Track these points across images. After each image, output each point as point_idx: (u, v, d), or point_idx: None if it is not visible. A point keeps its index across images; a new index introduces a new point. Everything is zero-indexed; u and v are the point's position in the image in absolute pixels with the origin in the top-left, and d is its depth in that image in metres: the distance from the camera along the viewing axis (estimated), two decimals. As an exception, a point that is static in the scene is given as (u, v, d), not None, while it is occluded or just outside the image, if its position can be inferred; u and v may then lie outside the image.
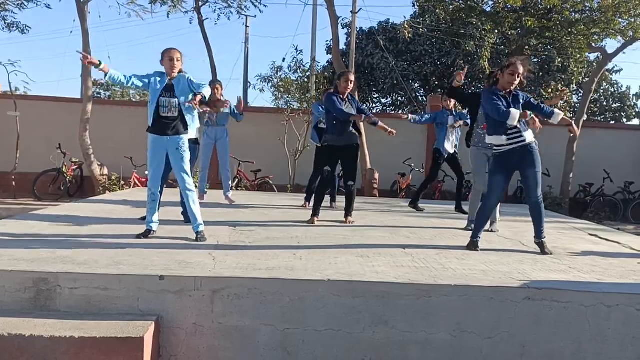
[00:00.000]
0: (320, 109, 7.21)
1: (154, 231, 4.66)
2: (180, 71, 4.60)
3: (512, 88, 4.50)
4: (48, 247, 3.97)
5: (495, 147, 4.63)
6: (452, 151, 7.37)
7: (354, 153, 5.92)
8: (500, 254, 4.45)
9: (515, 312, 3.29)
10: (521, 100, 4.55)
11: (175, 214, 5.98)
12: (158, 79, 4.53)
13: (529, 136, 4.53)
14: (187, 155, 4.63)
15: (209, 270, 3.44)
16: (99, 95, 30.55)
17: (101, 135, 12.02)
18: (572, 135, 4.61)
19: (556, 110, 4.61)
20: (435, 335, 3.26)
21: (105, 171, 11.72)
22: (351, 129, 5.84)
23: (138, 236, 4.54)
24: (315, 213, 5.91)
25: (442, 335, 3.27)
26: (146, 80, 4.52)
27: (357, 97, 11.70)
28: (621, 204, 12.64)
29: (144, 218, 4.89)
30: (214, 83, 7.29)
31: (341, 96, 5.78)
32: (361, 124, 6.09)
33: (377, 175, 11.70)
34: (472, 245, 4.62)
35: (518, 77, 4.46)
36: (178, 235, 4.73)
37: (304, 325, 3.25)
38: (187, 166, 4.62)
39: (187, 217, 5.00)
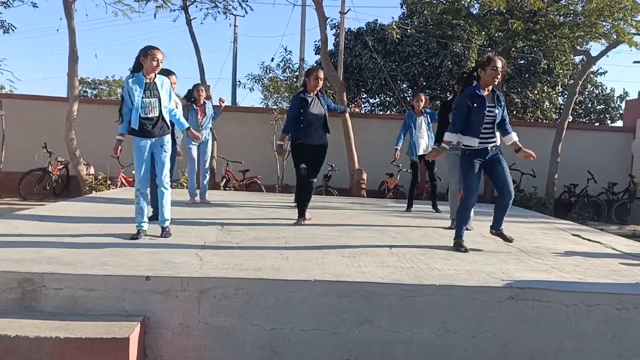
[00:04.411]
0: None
1: (144, 231, 4.65)
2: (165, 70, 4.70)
3: (494, 84, 4.54)
4: (33, 247, 3.95)
5: (465, 146, 4.63)
6: (424, 152, 7.48)
7: (322, 152, 5.89)
8: (485, 254, 4.51)
9: (499, 311, 3.34)
10: (502, 103, 4.62)
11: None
12: (136, 85, 4.48)
13: (498, 139, 4.64)
14: (169, 154, 4.70)
15: (196, 271, 3.45)
16: (85, 94, 30.34)
17: (88, 134, 11.93)
18: (521, 154, 4.78)
19: (514, 134, 4.72)
20: (419, 335, 3.31)
21: (92, 171, 11.64)
22: (321, 129, 5.82)
23: (132, 237, 4.52)
24: (301, 214, 5.91)
25: (426, 335, 3.31)
26: (129, 97, 4.51)
27: (345, 97, 11.78)
28: (605, 205, 12.81)
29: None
30: (197, 86, 7.29)
31: (309, 94, 5.78)
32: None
33: (365, 176, 11.75)
34: (459, 246, 4.66)
35: (500, 71, 4.47)
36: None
37: (290, 325, 3.28)
38: (168, 164, 4.69)
39: (157, 216, 4.95)
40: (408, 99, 20.28)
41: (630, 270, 4.15)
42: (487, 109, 4.51)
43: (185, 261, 3.71)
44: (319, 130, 5.81)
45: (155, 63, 4.46)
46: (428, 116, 7.57)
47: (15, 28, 12.95)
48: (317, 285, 3.32)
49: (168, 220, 4.73)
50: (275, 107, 12.80)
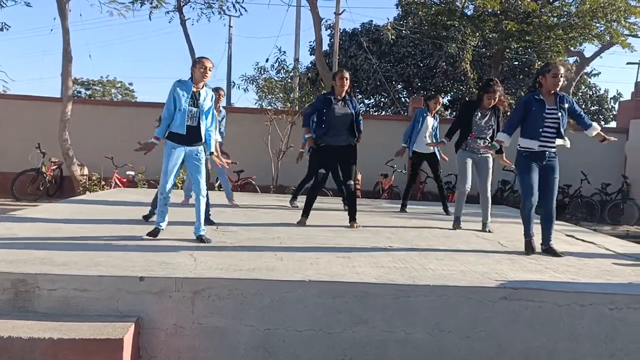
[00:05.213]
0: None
1: (162, 230, 4.71)
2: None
3: (556, 90, 4.57)
4: (26, 248, 3.93)
5: (522, 147, 4.68)
6: (429, 151, 7.50)
7: (350, 153, 5.89)
8: (479, 255, 4.52)
9: (493, 311, 3.35)
10: (566, 104, 4.60)
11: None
12: (183, 90, 4.53)
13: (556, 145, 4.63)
14: (204, 163, 4.71)
15: (190, 271, 3.44)
16: (79, 95, 30.24)
17: (81, 134, 11.89)
18: (612, 140, 4.80)
19: (595, 124, 4.73)
20: (414, 335, 3.31)
21: (86, 171, 11.59)
22: (346, 131, 5.82)
23: (149, 233, 4.61)
24: (306, 214, 5.92)
25: (420, 335, 3.32)
26: (173, 102, 4.53)
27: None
28: (598, 205, 12.88)
29: (145, 217, 5.28)
30: (218, 89, 7.32)
31: (337, 96, 5.81)
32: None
33: (359, 176, 11.75)
34: (529, 247, 4.70)
35: (561, 77, 4.52)
36: (159, 236, 4.71)
37: (284, 325, 3.27)
38: (203, 173, 4.69)
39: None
40: (403, 99, 20.31)
41: (623, 271, 4.17)
42: (546, 111, 4.53)
43: (180, 262, 3.71)
44: (344, 132, 5.80)
45: (202, 71, 4.51)
46: (436, 121, 7.63)
47: (10, 27, 12.90)
48: (311, 285, 3.32)
49: (204, 229, 4.71)
50: (269, 107, 12.77)
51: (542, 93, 4.60)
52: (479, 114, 5.86)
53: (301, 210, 5.99)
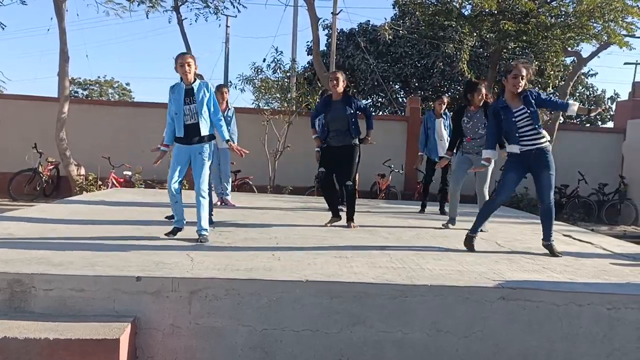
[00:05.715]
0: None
1: (180, 229, 4.74)
2: (198, 76, 4.71)
3: (518, 91, 4.52)
4: (23, 248, 3.91)
5: (508, 151, 4.69)
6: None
7: (347, 153, 5.84)
8: (476, 255, 4.52)
9: (490, 311, 3.34)
10: (532, 100, 4.53)
11: (154, 214, 5.95)
12: (175, 93, 4.55)
13: (544, 139, 4.57)
14: (208, 162, 4.68)
15: (187, 271, 3.43)
16: (76, 95, 30.16)
17: (78, 134, 11.86)
18: (599, 110, 4.76)
19: (570, 101, 4.70)
20: (411, 335, 3.31)
21: (82, 171, 11.56)
22: (343, 131, 5.79)
23: (167, 234, 4.65)
24: (334, 214, 5.97)
25: (418, 335, 3.31)
26: (173, 108, 4.57)
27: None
28: (595, 205, 12.90)
29: (169, 217, 5.20)
30: (220, 87, 7.30)
31: (335, 98, 5.82)
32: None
33: (357, 176, 11.74)
34: (470, 240, 4.71)
35: (522, 79, 4.47)
36: (156, 235, 4.70)
37: (281, 325, 3.27)
38: (206, 172, 4.67)
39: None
40: (400, 99, 20.32)
41: (620, 271, 4.18)
42: (514, 116, 4.52)
43: (176, 262, 3.69)
44: (342, 132, 5.78)
45: (183, 68, 4.49)
46: (448, 119, 7.62)
47: (5, 26, 12.85)
48: (308, 285, 3.32)
49: (205, 229, 4.67)
50: (266, 107, 12.76)
51: (507, 97, 4.58)
52: (466, 119, 5.88)
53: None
